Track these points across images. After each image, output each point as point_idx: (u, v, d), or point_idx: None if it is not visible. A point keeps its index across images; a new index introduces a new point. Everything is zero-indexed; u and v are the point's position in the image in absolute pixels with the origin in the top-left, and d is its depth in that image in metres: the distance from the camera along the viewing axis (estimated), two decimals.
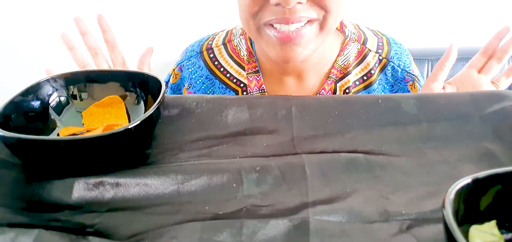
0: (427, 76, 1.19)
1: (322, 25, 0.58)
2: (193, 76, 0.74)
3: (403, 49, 0.73)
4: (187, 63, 0.75)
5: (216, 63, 0.73)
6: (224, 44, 0.74)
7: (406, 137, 0.44)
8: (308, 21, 0.57)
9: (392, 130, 0.44)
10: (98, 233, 0.35)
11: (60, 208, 0.36)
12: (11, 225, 0.34)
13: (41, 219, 0.35)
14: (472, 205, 0.30)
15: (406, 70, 0.70)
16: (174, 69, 0.77)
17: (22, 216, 0.35)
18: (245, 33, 0.73)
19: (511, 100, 0.46)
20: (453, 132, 0.44)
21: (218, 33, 0.77)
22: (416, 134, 0.44)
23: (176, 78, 0.76)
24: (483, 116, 0.45)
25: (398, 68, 0.70)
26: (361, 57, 0.70)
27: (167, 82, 0.79)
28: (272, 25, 0.58)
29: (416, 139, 0.43)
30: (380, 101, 0.47)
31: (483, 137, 0.43)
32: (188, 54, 0.76)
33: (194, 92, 0.74)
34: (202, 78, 0.73)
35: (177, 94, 0.76)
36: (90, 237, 0.34)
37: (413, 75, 0.70)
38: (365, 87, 0.70)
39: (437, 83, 0.63)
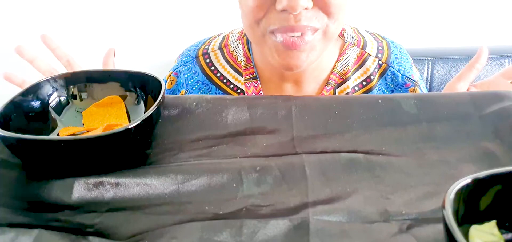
0: (427, 76, 1.19)
1: (325, 32, 0.58)
2: (189, 82, 0.73)
3: (404, 53, 0.72)
4: (183, 69, 0.74)
5: (212, 68, 0.72)
6: (220, 49, 0.73)
7: (406, 137, 0.44)
8: (311, 30, 0.56)
9: (392, 130, 0.44)
10: (98, 233, 0.35)
11: (60, 208, 0.36)
12: (11, 225, 0.34)
13: (41, 219, 0.35)
14: (472, 205, 0.30)
15: (406, 76, 0.69)
16: (169, 75, 0.76)
17: (22, 216, 0.35)
18: (243, 38, 0.72)
19: (511, 100, 0.46)
20: (453, 132, 0.44)
21: (214, 37, 0.76)
22: (416, 134, 0.44)
23: (171, 84, 0.75)
24: (483, 116, 0.45)
25: (398, 73, 0.69)
26: (361, 62, 0.69)
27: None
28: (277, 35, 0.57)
29: (416, 139, 0.43)
30: (380, 101, 0.47)
31: (483, 137, 0.43)
32: (184, 59, 0.75)
33: None
34: (198, 84, 0.72)
35: None
36: (90, 237, 0.34)
37: (414, 80, 0.70)
38: (365, 93, 0.69)
39: (463, 84, 0.61)
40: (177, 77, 0.75)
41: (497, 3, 1.27)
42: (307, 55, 0.58)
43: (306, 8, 0.53)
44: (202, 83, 0.72)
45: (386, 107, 0.46)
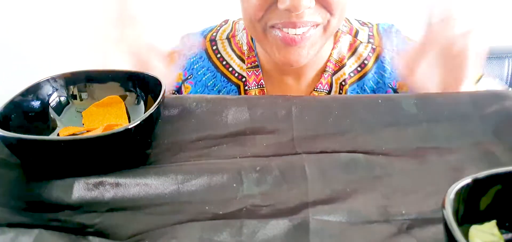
0: None
1: (326, 28, 0.59)
2: (195, 67, 0.74)
3: (396, 31, 0.74)
4: (187, 53, 0.75)
5: (218, 56, 0.74)
6: (228, 39, 0.75)
7: (406, 137, 0.44)
8: (313, 25, 0.58)
9: (392, 130, 0.44)
10: (98, 233, 0.35)
11: (60, 208, 0.36)
12: (11, 225, 0.34)
13: (41, 219, 0.35)
14: (472, 205, 0.30)
15: (404, 40, 0.72)
16: (172, 53, 0.76)
17: (22, 216, 0.35)
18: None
19: (511, 100, 0.46)
20: (453, 132, 0.44)
21: (222, 25, 0.78)
22: (416, 134, 0.44)
23: (171, 61, 0.75)
24: (483, 116, 0.45)
25: (392, 53, 0.71)
26: (353, 50, 0.72)
27: None
28: (278, 28, 0.58)
29: (416, 139, 0.43)
30: (380, 101, 0.47)
31: (483, 137, 0.43)
32: (189, 44, 0.76)
33: (195, 83, 0.74)
34: (203, 69, 0.74)
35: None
36: (90, 237, 0.34)
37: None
38: (360, 78, 0.71)
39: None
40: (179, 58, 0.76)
41: (497, 3, 1.27)
42: (307, 51, 0.59)
43: (309, 7, 0.54)
44: (208, 69, 0.74)
45: (386, 107, 0.46)
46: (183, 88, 0.75)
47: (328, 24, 0.58)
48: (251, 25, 0.60)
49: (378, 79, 0.71)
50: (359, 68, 0.71)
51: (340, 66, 0.70)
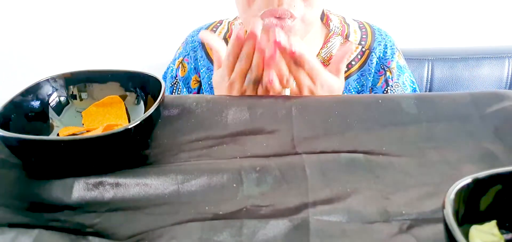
0: (427, 76, 1.19)
1: (303, 19, 0.62)
2: (201, 67, 0.77)
3: (388, 40, 0.76)
4: (193, 54, 0.78)
5: None
6: (225, 39, 0.77)
7: (406, 137, 0.44)
8: (291, 16, 0.61)
9: (392, 130, 0.44)
10: (98, 233, 0.35)
11: (60, 208, 0.36)
12: (11, 225, 0.34)
13: (41, 219, 0.35)
14: (472, 205, 0.30)
15: (382, 62, 0.73)
16: (181, 61, 0.79)
17: (22, 216, 0.35)
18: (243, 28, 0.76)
19: (511, 100, 0.46)
20: (453, 132, 0.44)
21: (218, 26, 0.80)
22: (416, 134, 0.44)
23: (184, 71, 0.79)
24: (483, 116, 0.45)
25: (377, 59, 0.73)
26: None
27: (164, 78, 0.80)
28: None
29: (416, 139, 0.43)
30: (380, 101, 0.47)
31: (483, 137, 0.43)
32: (191, 45, 0.79)
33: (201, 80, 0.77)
34: (204, 69, 0.76)
35: (186, 87, 0.79)
36: (90, 237, 0.34)
37: (387, 67, 0.72)
38: (345, 78, 0.72)
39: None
40: (188, 63, 0.79)
41: (497, 3, 1.27)
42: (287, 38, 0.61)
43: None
44: (207, 69, 0.76)
45: (386, 107, 0.46)
46: (202, 90, 0.77)
47: (304, 16, 0.61)
48: (244, 14, 0.64)
49: (363, 82, 0.73)
50: (345, 68, 0.72)
51: (327, 65, 0.71)
